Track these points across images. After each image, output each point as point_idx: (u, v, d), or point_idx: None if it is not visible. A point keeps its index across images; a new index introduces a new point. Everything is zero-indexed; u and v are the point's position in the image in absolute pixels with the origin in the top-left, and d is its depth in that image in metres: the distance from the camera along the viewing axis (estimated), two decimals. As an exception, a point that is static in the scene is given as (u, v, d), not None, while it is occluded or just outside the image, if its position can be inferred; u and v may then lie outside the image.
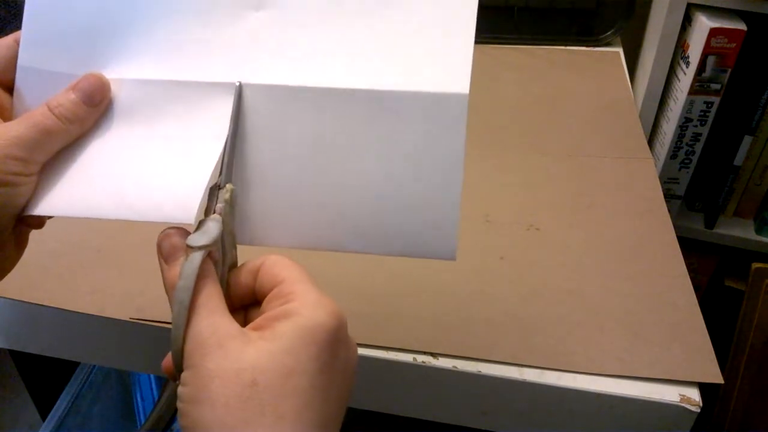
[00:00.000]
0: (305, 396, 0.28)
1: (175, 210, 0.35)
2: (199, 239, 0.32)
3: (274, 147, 0.37)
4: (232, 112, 0.37)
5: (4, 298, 0.52)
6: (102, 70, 0.38)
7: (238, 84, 0.37)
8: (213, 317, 0.30)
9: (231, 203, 0.35)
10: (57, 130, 0.35)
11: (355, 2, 0.38)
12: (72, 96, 0.35)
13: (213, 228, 0.33)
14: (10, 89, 0.37)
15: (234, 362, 0.28)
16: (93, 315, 0.51)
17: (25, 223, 0.37)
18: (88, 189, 0.36)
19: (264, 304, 0.32)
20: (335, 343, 0.30)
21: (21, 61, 0.37)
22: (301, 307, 0.30)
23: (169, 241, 0.33)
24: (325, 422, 0.29)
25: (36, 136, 0.34)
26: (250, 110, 0.37)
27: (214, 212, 0.34)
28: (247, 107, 0.37)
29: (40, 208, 0.35)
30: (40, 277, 0.53)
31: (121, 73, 0.38)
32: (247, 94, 0.37)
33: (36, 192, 0.35)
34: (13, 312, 0.54)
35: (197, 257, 0.31)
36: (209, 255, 0.32)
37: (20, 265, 0.47)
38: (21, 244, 0.38)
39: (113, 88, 0.37)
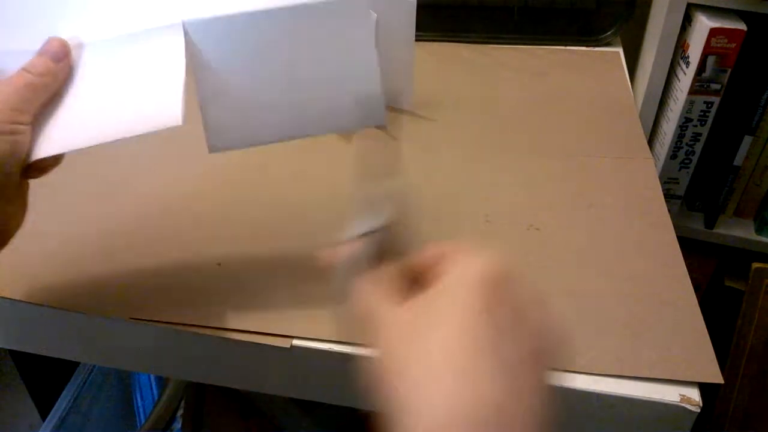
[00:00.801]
0: (461, 327, 0.29)
1: (162, 117, 0.41)
2: (364, 226, 0.36)
3: (227, 65, 0.45)
4: (185, 45, 0.43)
5: (4, 298, 0.52)
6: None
7: (182, 24, 0.44)
8: (372, 286, 0.34)
9: (398, 202, 0.38)
10: (37, 83, 0.42)
11: None
12: (41, 58, 0.43)
13: (379, 218, 0.36)
14: None
15: (395, 314, 0.31)
16: (93, 315, 0.51)
17: (33, 168, 0.42)
18: (78, 125, 0.43)
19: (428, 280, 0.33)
20: (494, 289, 0.30)
21: None
22: (459, 261, 0.32)
23: (329, 253, 0.37)
24: (485, 355, 0.28)
25: (22, 91, 0.41)
26: (199, 40, 0.44)
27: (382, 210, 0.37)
28: (195, 38, 0.44)
29: (42, 151, 0.41)
30: (40, 277, 0.53)
31: (78, 39, 0.45)
32: (191, 28, 0.44)
33: (34, 141, 0.42)
34: (13, 312, 0.54)
35: (362, 240, 0.35)
36: (374, 240, 0.36)
37: (20, 265, 0.47)
38: (24, 201, 0.44)
39: (75, 51, 0.44)
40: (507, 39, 0.93)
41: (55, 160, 0.45)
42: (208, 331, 0.50)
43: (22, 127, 0.40)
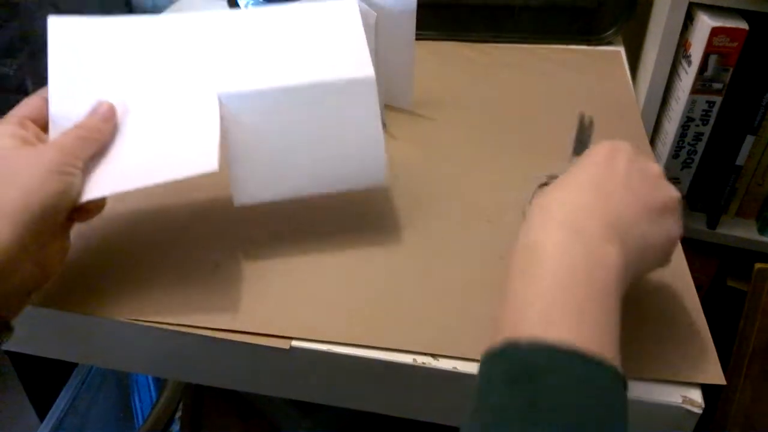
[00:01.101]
0: (585, 176, 0.43)
1: (199, 163, 0.47)
2: (546, 174, 0.53)
3: (253, 131, 0.52)
4: (219, 111, 0.51)
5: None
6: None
7: (217, 95, 0.52)
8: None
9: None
10: (88, 136, 0.49)
11: (278, 31, 0.55)
12: (92, 118, 0.50)
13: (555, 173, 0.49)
14: (43, 128, 0.52)
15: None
16: (92, 315, 0.51)
17: (79, 211, 0.49)
18: (122, 172, 0.49)
19: None
20: (610, 153, 0.44)
21: (52, 111, 0.51)
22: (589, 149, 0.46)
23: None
24: (605, 198, 0.42)
25: (77, 142, 0.48)
26: (231, 109, 0.51)
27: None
28: (227, 106, 0.51)
29: (89, 193, 0.48)
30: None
31: (125, 104, 0.52)
32: (225, 99, 0.51)
33: (83, 185, 0.48)
34: (10, 313, 0.54)
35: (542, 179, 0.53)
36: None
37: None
38: (67, 242, 0.49)
39: (121, 113, 0.52)
40: (508, 38, 0.93)
41: (98, 206, 0.51)
42: (206, 332, 0.49)
43: (74, 170, 0.47)
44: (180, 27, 0.55)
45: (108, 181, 0.48)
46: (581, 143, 0.58)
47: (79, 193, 0.47)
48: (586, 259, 0.38)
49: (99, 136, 0.50)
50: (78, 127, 0.49)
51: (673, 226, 0.44)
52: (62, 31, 0.53)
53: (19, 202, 0.43)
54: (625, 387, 0.36)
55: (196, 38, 0.55)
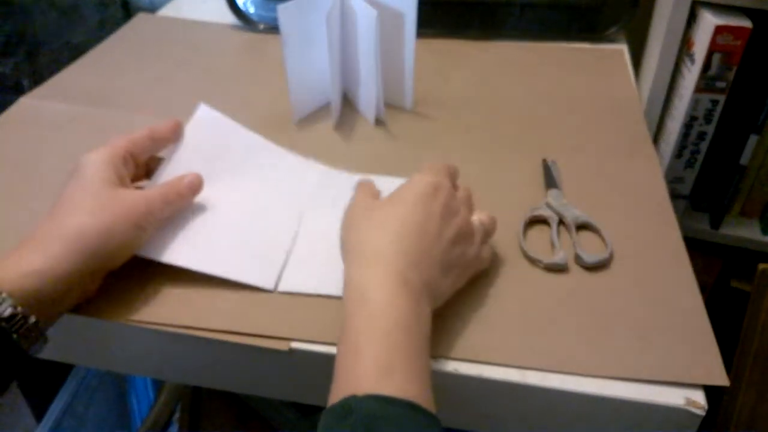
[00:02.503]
0: (402, 215, 0.48)
1: (259, 278, 0.53)
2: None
3: (319, 234, 0.57)
4: (299, 221, 0.59)
5: None
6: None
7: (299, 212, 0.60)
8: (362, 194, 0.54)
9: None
10: (171, 199, 0.53)
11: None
12: (179, 181, 0.55)
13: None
14: (139, 163, 0.56)
15: (370, 204, 0.51)
16: (90, 317, 0.50)
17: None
18: (187, 248, 0.53)
19: None
20: (430, 194, 0.48)
21: (166, 173, 0.56)
22: (414, 177, 0.51)
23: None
24: (419, 239, 0.46)
25: (161, 201, 0.52)
26: (307, 218, 0.59)
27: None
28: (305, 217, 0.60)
29: (150, 254, 0.52)
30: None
31: (222, 195, 0.59)
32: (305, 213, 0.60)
33: (151, 243, 0.52)
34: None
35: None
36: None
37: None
38: (100, 282, 0.52)
39: (215, 199, 0.58)
40: (509, 36, 0.92)
41: None
42: (205, 334, 0.49)
43: (150, 227, 0.51)
44: (290, 160, 0.65)
45: (177, 252, 0.52)
46: (551, 179, 0.64)
47: (145, 246, 0.52)
48: (409, 313, 0.42)
49: (178, 200, 0.54)
50: (165, 185, 0.54)
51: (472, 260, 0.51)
52: (205, 117, 0.61)
53: (95, 244, 0.47)
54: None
55: (298, 172, 0.64)
